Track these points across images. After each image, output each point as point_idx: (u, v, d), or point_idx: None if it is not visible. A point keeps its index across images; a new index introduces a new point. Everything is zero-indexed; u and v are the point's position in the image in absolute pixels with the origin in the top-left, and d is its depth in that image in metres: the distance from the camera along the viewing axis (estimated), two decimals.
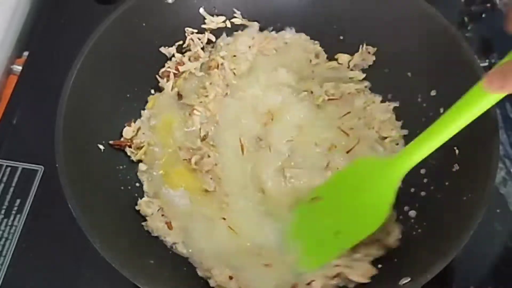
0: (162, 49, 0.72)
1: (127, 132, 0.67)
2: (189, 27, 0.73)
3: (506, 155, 0.73)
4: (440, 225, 0.58)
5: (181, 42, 0.73)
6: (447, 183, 0.62)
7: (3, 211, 0.69)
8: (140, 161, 0.67)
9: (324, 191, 0.61)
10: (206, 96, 0.69)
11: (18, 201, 0.70)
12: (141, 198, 0.65)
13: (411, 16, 0.67)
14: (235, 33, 0.74)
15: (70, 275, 0.65)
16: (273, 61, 0.73)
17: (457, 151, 0.62)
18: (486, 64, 0.79)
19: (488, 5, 0.83)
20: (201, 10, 0.73)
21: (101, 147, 0.64)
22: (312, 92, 0.71)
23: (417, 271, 0.53)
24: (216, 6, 0.73)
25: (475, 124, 0.59)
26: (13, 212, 0.69)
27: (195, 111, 0.68)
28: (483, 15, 0.84)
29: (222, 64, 0.70)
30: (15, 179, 0.71)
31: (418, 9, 0.66)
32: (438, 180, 0.63)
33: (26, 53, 0.83)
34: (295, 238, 0.60)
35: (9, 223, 0.68)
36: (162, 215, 0.63)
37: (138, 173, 0.66)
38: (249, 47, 0.72)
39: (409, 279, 0.53)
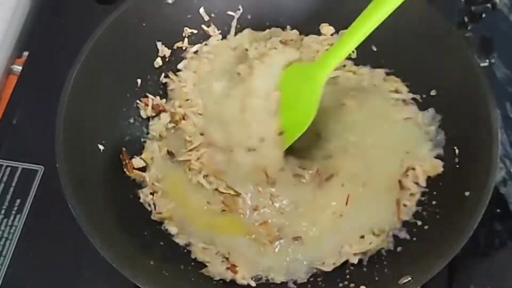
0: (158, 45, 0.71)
1: (137, 162, 0.67)
2: (189, 27, 0.73)
3: (506, 155, 0.73)
4: (440, 225, 0.58)
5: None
6: (447, 183, 0.62)
7: (3, 211, 0.69)
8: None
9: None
10: (195, 147, 0.67)
11: (18, 201, 0.70)
12: (140, 198, 0.65)
13: (411, 16, 0.67)
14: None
15: (70, 275, 0.65)
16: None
17: (457, 151, 0.62)
18: (486, 64, 0.79)
19: (488, 5, 0.83)
20: (201, 10, 0.73)
21: (101, 147, 0.64)
22: None
23: (417, 271, 0.53)
24: (216, 7, 0.73)
25: (475, 124, 0.60)
26: (13, 212, 0.69)
27: (192, 166, 0.66)
28: (483, 15, 0.84)
29: (184, 114, 0.69)
30: (15, 179, 0.71)
31: (418, 9, 0.66)
32: (438, 180, 0.63)
33: (26, 53, 0.83)
34: None
35: (9, 223, 0.68)
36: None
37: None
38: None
39: (409, 278, 0.53)
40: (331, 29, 0.75)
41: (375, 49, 0.72)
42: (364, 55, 0.73)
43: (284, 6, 0.75)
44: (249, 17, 0.75)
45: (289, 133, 0.63)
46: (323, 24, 0.75)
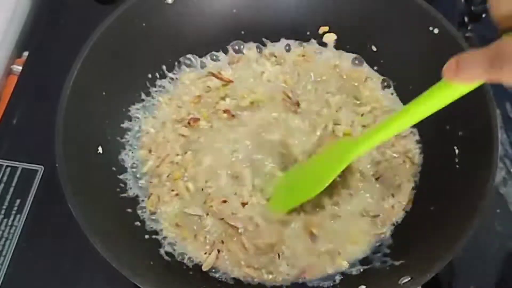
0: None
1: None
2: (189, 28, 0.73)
3: (506, 155, 0.73)
4: (440, 225, 0.58)
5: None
6: (447, 183, 0.62)
7: (3, 211, 0.69)
8: None
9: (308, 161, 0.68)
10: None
11: (18, 201, 0.70)
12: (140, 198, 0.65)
13: (411, 16, 0.67)
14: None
15: (70, 275, 0.65)
16: None
17: (457, 151, 0.62)
18: None
19: (488, 5, 0.83)
20: (201, 11, 0.73)
21: (101, 147, 0.64)
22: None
23: (417, 271, 0.53)
24: (216, 7, 0.73)
25: (475, 124, 0.60)
26: (13, 212, 0.69)
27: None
28: (483, 15, 0.84)
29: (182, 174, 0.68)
30: (15, 179, 0.71)
31: (418, 9, 0.66)
32: (438, 179, 0.63)
33: (26, 53, 0.83)
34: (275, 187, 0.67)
35: (9, 223, 0.68)
36: None
37: None
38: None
39: (409, 278, 0.53)
40: (334, 36, 0.75)
41: (375, 49, 0.72)
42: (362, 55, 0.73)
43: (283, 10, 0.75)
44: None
45: (294, 197, 0.64)
46: (324, 30, 0.75)
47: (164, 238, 0.63)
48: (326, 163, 0.63)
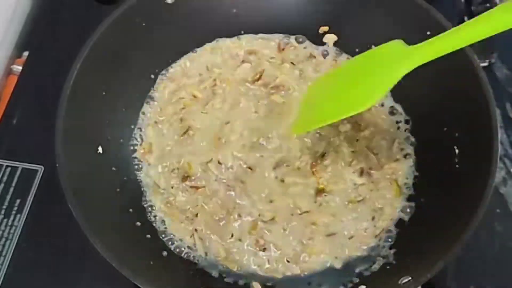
0: None
1: None
2: (189, 27, 0.73)
3: (506, 155, 0.73)
4: (440, 225, 0.58)
5: None
6: (447, 183, 0.62)
7: (3, 211, 0.69)
8: None
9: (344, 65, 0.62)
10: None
11: (18, 201, 0.70)
12: (140, 198, 0.65)
13: (411, 16, 0.67)
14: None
15: (70, 275, 0.65)
16: None
17: (457, 151, 0.62)
18: (486, 64, 0.79)
19: (488, 5, 0.83)
20: (201, 11, 0.73)
21: (101, 147, 0.64)
22: None
23: (417, 271, 0.53)
24: (216, 7, 0.73)
25: (475, 124, 0.60)
26: (13, 212, 0.69)
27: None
28: None
29: None
30: (15, 179, 0.71)
31: (418, 9, 0.66)
32: (438, 180, 0.63)
33: (26, 53, 0.83)
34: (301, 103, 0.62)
35: (9, 223, 0.68)
36: None
37: None
38: None
39: (409, 278, 0.53)
40: (334, 37, 0.74)
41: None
42: None
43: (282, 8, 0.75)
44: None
45: (341, 106, 0.56)
46: (324, 30, 0.75)
47: (155, 218, 0.64)
48: (369, 74, 0.55)
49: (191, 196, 0.65)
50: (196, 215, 0.64)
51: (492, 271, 0.66)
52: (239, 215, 0.64)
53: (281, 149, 0.66)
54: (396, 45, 0.56)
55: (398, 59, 0.53)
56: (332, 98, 0.58)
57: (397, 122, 0.70)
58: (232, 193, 0.65)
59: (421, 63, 0.52)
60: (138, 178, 0.67)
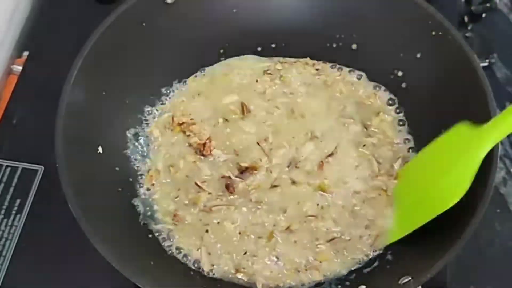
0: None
1: None
2: (189, 27, 0.73)
3: (506, 155, 0.73)
4: (440, 225, 0.58)
5: None
6: None
7: (3, 211, 0.69)
8: None
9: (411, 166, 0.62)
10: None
11: (18, 201, 0.70)
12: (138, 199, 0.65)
13: (411, 16, 0.67)
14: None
15: (70, 275, 0.65)
16: None
17: None
18: (486, 64, 0.79)
19: (488, 5, 0.83)
20: (201, 11, 0.73)
21: (101, 147, 0.64)
22: None
23: (417, 271, 0.53)
24: (216, 7, 0.73)
25: (475, 124, 0.60)
26: (13, 212, 0.69)
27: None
28: (483, 15, 0.84)
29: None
30: (15, 179, 0.71)
31: (418, 9, 0.66)
32: None
33: (26, 53, 0.83)
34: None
35: (9, 223, 0.68)
36: None
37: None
38: None
39: (409, 278, 0.53)
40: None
41: (373, 48, 0.72)
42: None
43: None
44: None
45: (411, 219, 0.57)
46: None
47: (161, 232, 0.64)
48: (449, 167, 0.54)
49: (202, 216, 0.64)
50: (207, 231, 0.63)
51: (492, 271, 0.66)
52: (255, 232, 0.63)
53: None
54: (464, 130, 0.55)
55: (473, 145, 0.52)
56: (420, 199, 0.57)
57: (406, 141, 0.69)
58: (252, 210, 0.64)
59: (495, 143, 0.52)
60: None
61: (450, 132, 0.57)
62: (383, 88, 0.72)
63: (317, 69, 0.74)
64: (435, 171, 0.57)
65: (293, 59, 0.75)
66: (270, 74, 0.73)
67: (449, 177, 0.54)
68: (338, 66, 0.74)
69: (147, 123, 0.70)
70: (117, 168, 0.65)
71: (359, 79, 0.73)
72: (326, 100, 0.71)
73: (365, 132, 0.69)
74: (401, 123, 0.70)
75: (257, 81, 0.73)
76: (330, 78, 0.73)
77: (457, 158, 0.53)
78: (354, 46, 0.74)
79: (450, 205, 0.53)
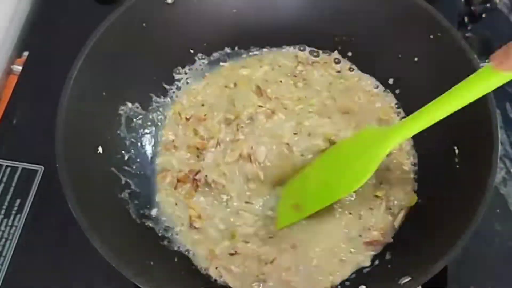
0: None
1: None
2: (189, 28, 0.73)
3: (506, 155, 0.73)
4: (440, 225, 0.58)
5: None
6: (447, 183, 0.62)
7: (3, 211, 0.69)
8: None
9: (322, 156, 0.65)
10: None
11: (18, 201, 0.70)
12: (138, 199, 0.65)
13: (411, 16, 0.67)
14: None
15: (70, 275, 0.65)
16: None
17: (457, 151, 0.62)
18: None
19: (488, 5, 0.83)
20: (201, 11, 0.73)
21: (101, 147, 0.64)
22: None
23: (417, 271, 0.53)
24: (216, 7, 0.73)
25: (475, 124, 0.60)
26: (13, 212, 0.69)
27: None
28: (483, 15, 0.84)
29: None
30: (15, 179, 0.71)
31: (418, 9, 0.66)
32: (438, 180, 0.63)
33: (26, 53, 0.83)
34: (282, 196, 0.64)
35: (9, 223, 0.68)
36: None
37: None
38: None
39: (409, 278, 0.53)
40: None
41: (372, 48, 0.72)
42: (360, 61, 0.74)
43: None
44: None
45: (309, 203, 0.61)
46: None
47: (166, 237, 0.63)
48: (354, 156, 0.59)
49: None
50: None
51: (492, 271, 0.66)
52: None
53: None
54: (372, 130, 0.62)
55: (379, 141, 0.56)
56: (319, 187, 0.61)
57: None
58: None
59: (400, 142, 0.57)
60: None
61: (361, 131, 0.63)
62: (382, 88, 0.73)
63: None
64: (342, 161, 0.61)
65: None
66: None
67: (353, 167, 0.58)
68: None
69: None
70: (117, 168, 0.65)
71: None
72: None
73: None
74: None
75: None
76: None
77: (363, 152, 0.58)
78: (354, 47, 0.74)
79: (350, 190, 0.59)
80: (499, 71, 0.47)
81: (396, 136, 0.56)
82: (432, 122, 0.54)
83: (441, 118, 0.53)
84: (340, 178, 0.60)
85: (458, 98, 0.51)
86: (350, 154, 0.60)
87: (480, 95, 0.50)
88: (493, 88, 0.50)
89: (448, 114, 0.52)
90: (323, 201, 0.60)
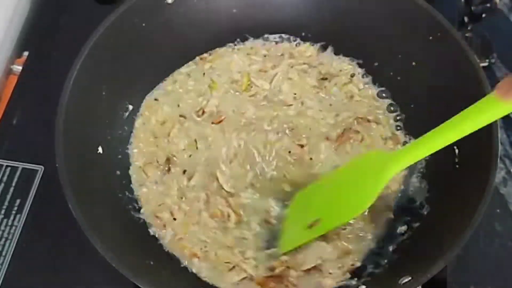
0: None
1: None
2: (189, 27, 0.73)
3: (506, 155, 0.73)
4: (440, 225, 0.58)
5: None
6: (447, 183, 0.62)
7: (3, 211, 0.69)
8: None
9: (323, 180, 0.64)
10: None
11: (18, 201, 0.70)
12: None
13: (411, 16, 0.67)
14: None
15: (70, 275, 0.65)
16: None
17: (457, 151, 0.62)
18: (486, 64, 0.79)
19: (488, 5, 0.83)
20: (201, 11, 0.73)
21: (101, 147, 0.64)
22: None
23: (417, 271, 0.53)
24: (216, 7, 0.73)
25: None
26: (13, 212, 0.69)
27: None
28: (483, 15, 0.83)
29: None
30: (15, 179, 0.71)
31: (418, 9, 0.66)
32: (438, 180, 0.63)
33: (26, 53, 0.83)
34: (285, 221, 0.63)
35: (9, 223, 0.68)
36: None
37: None
38: None
39: (409, 278, 0.53)
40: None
41: (372, 48, 0.72)
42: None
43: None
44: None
45: (326, 221, 0.59)
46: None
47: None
48: (355, 182, 0.59)
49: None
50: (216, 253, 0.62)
51: (492, 271, 0.66)
52: None
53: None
54: (377, 154, 0.62)
55: (382, 166, 0.56)
56: (322, 209, 0.60)
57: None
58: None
59: (404, 167, 0.56)
60: None
61: (364, 155, 0.63)
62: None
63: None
64: (346, 186, 0.60)
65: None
66: None
67: (357, 192, 0.58)
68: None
69: None
70: (117, 168, 0.65)
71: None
72: None
73: None
74: (398, 127, 0.70)
75: None
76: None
77: (367, 177, 0.57)
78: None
79: (355, 214, 0.58)
80: (505, 101, 0.47)
81: (399, 161, 0.55)
82: (434, 150, 0.53)
83: (443, 146, 0.52)
84: (345, 201, 0.59)
85: (462, 126, 0.50)
86: (352, 179, 0.60)
87: (484, 124, 0.49)
88: (498, 118, 0.49)
89: (451, 142, 0.52)
90: (329, 224, 0.59)
